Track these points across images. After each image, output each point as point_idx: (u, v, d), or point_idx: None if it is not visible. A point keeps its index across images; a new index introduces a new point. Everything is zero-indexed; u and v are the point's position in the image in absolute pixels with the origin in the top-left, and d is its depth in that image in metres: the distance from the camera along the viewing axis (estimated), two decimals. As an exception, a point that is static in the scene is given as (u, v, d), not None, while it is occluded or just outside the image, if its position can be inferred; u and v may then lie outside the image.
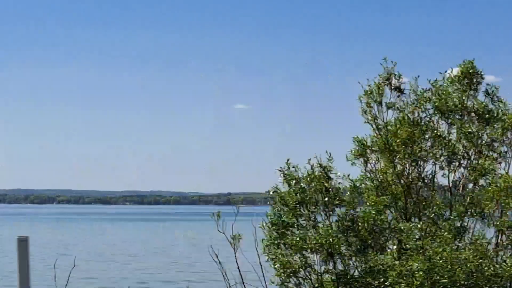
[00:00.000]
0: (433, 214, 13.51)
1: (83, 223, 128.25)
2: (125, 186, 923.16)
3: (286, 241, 13.37)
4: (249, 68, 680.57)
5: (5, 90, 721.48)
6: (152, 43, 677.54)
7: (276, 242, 13.43)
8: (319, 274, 13.24)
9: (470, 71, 14.22)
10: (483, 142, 13.99)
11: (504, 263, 12.69)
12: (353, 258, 13.26)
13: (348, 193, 13.59)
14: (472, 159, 13.99)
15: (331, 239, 12.85)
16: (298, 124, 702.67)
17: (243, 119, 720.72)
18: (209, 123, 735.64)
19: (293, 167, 13.79)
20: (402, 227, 13.16)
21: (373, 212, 13.22)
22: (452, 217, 13.38)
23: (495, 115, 13.92)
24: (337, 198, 13.43)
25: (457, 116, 14.14)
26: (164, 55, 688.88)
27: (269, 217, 13.80)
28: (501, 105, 14.10)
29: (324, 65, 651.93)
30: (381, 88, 14.18)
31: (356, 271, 13.26)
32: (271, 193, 14.39)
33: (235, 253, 13.59)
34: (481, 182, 13.75)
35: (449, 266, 12.24)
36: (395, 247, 13.43)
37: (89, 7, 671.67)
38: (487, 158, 13.76)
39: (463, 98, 14.09)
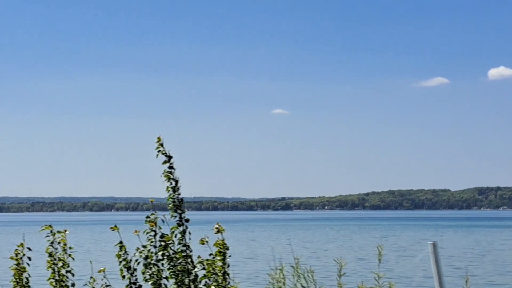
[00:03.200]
0: None
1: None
2: (183, 193, 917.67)
3: None
4: (287, 73, 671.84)
5: (40, 100, 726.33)
6: (187, 51, 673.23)
7: None
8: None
9: None
10: None
11: None
12: None
13: None
14: None
15: None
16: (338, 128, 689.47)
17: (282, 124, 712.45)
18: (247, 128, 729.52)
19: None
20: None
21: None
22: None
23: None
24: None
25: None
26: (201, 63, 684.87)
27: None
28: None
29: (361, 70, 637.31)
30: None
31: None
32: None
33: None
34: None
35: None
36: None
37: (113, 18, 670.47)
38: None
39: None
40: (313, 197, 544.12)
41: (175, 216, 10.19)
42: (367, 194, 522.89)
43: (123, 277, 9.02)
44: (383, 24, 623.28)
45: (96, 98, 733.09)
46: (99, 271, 9.01)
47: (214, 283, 8.54)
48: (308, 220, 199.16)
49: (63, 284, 9.48)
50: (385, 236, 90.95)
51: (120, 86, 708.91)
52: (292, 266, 11.24)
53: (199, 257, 8.78)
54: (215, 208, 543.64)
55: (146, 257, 9.00)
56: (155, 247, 9.07)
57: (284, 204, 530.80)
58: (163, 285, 8.97)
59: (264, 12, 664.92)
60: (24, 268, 10.02)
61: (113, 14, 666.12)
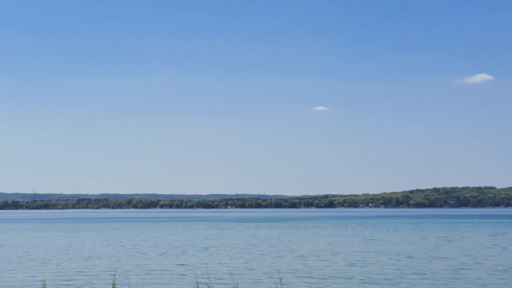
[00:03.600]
0: None
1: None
2: (224, 190, 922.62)
3: None
4: (329, 70, 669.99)
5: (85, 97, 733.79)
6: (230, 49, 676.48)
7: None
8: None
9: None
10: None
11: None
12: None
13: None
14: None
15: None
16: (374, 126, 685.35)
17: (323, 122, 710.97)
18: (289, 125, 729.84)
19: None
20: None
21: None
22: None
23: None
24: None
25: None
26: (242, 61, 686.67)
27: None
28: None
29: (404, 68, 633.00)
30: None
31: None
32: None
33: None
34: None
35: None
36: None
37: (162, 15, 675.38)
38: None
39: None
40: (356, 195, 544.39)
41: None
42: (411, 191, 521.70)
43: None
44: (426, 22, 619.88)
45: (144, 96, 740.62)
46: None
47: None
48: (377, 217, 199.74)
49: None
50: (494, 235, 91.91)
51: (168, 85, 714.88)
52: None
53: None
54: (258, 206, 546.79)
55: None
56: None
57: (328, 202, 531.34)
58: None
59: (308, 10, 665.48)
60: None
61: (164, 14, 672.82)
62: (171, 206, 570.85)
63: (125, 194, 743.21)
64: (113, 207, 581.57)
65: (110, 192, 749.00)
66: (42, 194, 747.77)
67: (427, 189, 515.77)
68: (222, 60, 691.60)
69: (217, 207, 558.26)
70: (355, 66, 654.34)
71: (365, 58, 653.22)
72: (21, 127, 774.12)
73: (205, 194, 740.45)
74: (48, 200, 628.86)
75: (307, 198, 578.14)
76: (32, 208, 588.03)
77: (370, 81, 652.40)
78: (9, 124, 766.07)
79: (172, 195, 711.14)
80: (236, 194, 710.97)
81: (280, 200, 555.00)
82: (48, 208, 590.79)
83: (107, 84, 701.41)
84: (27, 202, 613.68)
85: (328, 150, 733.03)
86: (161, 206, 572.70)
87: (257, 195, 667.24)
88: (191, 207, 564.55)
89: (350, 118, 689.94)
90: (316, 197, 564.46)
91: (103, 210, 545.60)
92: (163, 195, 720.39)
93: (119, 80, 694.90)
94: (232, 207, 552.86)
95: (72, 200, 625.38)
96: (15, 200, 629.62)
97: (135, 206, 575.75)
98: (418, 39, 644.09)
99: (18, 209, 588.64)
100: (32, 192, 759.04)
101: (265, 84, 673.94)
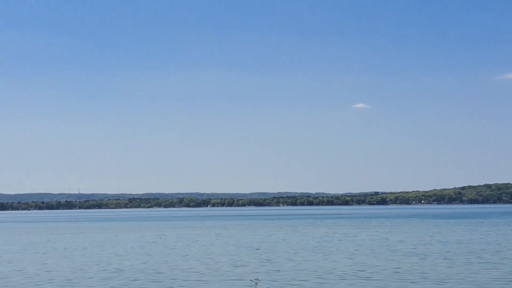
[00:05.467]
0: None
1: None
2: (266, 188, 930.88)
3: None
4: (369, 67, 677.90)
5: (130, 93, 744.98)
6: (270, 47, 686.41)
7: None
8: None
9: None
10: None
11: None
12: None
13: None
14: None
15: None
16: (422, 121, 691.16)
17: (363, 119, 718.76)
18: (328, 123, 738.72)
19: None
20: None
21: None
22: None
23: None
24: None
25: None
26: (282, 59, 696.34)
27: None
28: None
29: (444, 63, 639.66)
30: None
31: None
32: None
33: None
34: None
35: None
36: None
37: (203, 15, 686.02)
38: None
39: None
40: (407, 192, 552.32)
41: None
42: (463, 188, 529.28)
43: None
44: (466, 18, 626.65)
45: (189, 95, 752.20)
46: None
47: None
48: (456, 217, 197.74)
49: None
50: None
51: (212, 83, 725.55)
52: None
53: None
54: (310, 203, 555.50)
55: None
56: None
57: (380, 199, 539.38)
58: None
59: (347, 7, 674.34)
60: None
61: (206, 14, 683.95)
62: (222, 205, 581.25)
63: (169, 193, 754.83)
64: (165, 206, 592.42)
65: (153, 191, 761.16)
66: (87, 194, 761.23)
67: (479, 186, 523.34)
68: (261, 58, 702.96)
69: (269, 205, 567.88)
70: (395, 62, 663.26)
71: (405, 55, 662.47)
72: (66, 128, 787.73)
73: (248, 192, 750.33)
74: (100, 200, 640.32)
75: (350, 195, 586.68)
76: (85, 208, 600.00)
77: (410, 76, 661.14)
78: (54, 125, 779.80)
79: (215, 194, 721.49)
80: (279, 192, 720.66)
81: (332, 197, 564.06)
82: (101, 208, 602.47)
83: (151, 82, 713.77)
84: (79, 202, 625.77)
85: (368, 147, 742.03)
86: (213, 205, 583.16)
87: (300, 193, 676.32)
88: (243, 205, 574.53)
89: (391, 115, 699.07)
90: (365, 194, 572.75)
91: (156, 209, 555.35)
92: (206, 194, 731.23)
93: (164, 78, 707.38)
94: (283, 205, 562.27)
95: (124, 199, 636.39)
96: (67, 200, 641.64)
97: (187, 205, 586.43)
98: (458, 35, 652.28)
99: (71, 209, 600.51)
100: (77, 192, 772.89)
101: (305, 81, 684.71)
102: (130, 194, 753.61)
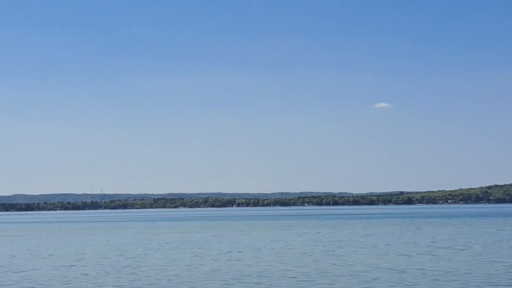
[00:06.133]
0: None
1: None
2: (288, 188, 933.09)
3: None
4: (391, 66, 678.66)
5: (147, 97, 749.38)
6: (290, 47, 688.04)
7: None
8: None
9: None
10: None
11: None
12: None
13: None
14: None
15: None
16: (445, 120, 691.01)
17: (385, 118, 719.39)
18: (349, 122, 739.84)
19: None
20: None
21: None
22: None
23: None
24: None
25: None
26: (302, 59, 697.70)
27: None
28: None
29: (468, 63, 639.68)
30: None
31: None
32: None
33: None
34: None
35: None
36: None
37: (219, 16, 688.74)
38: None
39: None
40: (432, 191, 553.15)
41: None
42: (489, 187, 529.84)
43: None
44: (489, 19, 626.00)
45: (204, 95, 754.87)
46: None
47: None
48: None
49: None
50: None
51: (228, 83, 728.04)
52: None
53: None
54: (335, 203, 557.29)
55: None
56: None
57: (406, 199, 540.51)
58: None
59: (369, 8, 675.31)
60: None
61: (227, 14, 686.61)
62: (247, 205, 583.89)
63: (191, 193, 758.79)
64: (190, 206, 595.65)
65: (175, 192, 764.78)
66: (110, 194, 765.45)
67: (505, 185, 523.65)
68: (282, 58, 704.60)
69: (294, 205, 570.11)
70: (417, 62, 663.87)
71: (427, 55, 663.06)
72: (87, 129, 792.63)
73: (270, 192, 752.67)
74: (125, 200, 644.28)
75: (373, 195, 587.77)
76: (111, 208, 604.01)
77: (432, 76, 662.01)
78: (76, 126, 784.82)
79: (238, 194, 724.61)
80: (301, 192, 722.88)
81: (358, 197, 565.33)
82: (126, 208, 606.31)
83: (170, 83, 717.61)
84: (105, 202, 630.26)
85: (390, 146, 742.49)
86: (238, 205, 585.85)
87: (322, 192, 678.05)
88: (268, 205, 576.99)
89: (413, 114, 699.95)
90: (390, 194, 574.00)
91: (181, 209, 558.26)
92: (229, 194, 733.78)
93: (181, 79, 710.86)
94: (309, 205, 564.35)
95: (149, 199, 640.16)
96: (93, 201, 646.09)
97: (212, 205, 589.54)
98: (480, 36, 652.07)
99: (97, 209, 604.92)
100: (100, 193, 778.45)
101: (326, 81, 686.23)
102: (152, 194, 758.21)
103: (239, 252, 61.84)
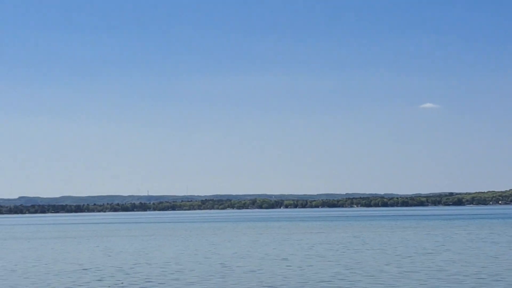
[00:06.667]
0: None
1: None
2: (332, 189, 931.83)
3: None
4: (438, 67, 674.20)
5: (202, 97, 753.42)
6: (339, 46, 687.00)
7: None
8: None
9: None
10: None
11: None
12: None
13: None
14: None
15: None
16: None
17: (432, 119, 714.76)
18: (395, 123, 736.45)
19: None
20: None
21: None
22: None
23: None
24: None
25: None
26: (349, 59, 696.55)
27: None
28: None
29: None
30: None
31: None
32: None
33: None
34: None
35: None
36: None
37: (273, 18, 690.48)
38: None
39: None
40: (482, 192, 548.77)
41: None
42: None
43: None
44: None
45: (261, 97, 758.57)
46: None
47: None
48: None
49: None
50: None
51: (267, 85, 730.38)
52: None
53: None
54: (384, 204, 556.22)
55: None
56: None
57: (456, 199, 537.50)
58: None
59: (415, 7, 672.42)
60: None
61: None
62: (295, 206, 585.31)
63: (236, 195, 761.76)
64: (238, 208, 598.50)
65: (221, 193, 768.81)
66: (156, 196, 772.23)
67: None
68: (328, 58, 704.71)
69: (342, 206, 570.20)
70: (464, 62, 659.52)
71: (474, 54, 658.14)
72: (134, 130, 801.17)
73: (315, 193, 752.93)
74: (173, 202, 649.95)
75: (421, 196, 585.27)
76: (159, 210, 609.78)
77: (479, 76, 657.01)
78: (122, 127, 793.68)
79: (283, 195, 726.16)
80: (346, 193, 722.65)
81: (407, 198, 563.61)
82: (175, 209, 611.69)
83: (218, 84, 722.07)
84: (154, 204, 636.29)
85: (437, 147, 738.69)
86: (286, 206, 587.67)
87: (369, 194, 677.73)
88: (316, 206, 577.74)
89: (460, 114, 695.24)
90: (439, 195, 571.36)
91: (230, 210, 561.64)
92: (274, 195, 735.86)
93: (231, 80, 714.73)
94: (357, 206, 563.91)
95: (197, 201, 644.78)
96: (142, 202, 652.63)
97: (260, 206, 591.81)
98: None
99: (146, 210, 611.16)
100: (146, 194, 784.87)
101: (373, 81, 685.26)
102: (198, 196, 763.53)
103: (446, 250, 61.03)
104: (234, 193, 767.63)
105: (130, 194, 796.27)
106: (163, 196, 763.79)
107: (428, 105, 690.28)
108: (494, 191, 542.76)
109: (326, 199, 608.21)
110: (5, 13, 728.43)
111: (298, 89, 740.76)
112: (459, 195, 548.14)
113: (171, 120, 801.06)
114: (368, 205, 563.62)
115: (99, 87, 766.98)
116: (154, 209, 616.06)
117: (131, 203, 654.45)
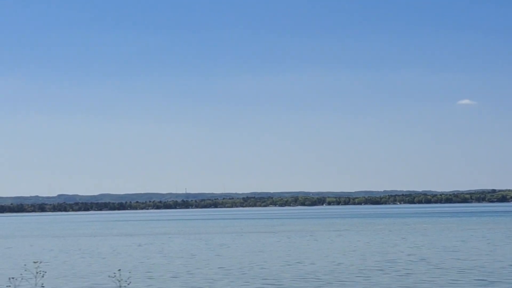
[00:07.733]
0: None
1: None
2: (371, 186, 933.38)
3: None
4: (476, 63, 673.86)
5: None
6: (375, 45, 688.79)
7: None
8: None
9: None
10: None
11: None
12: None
13: None
14: None
15: None
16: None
17: (469, 115, 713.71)
18: (432, 120, 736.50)
19: None
20: None
21: None
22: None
23: None
24: None
25: None
26: (385, 57, 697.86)
27: None
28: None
29: None
30: None
31: None
32: None
33: None
34: None
35: None
36: None
37: (300, 16, 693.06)
38: None
39: None
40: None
41: None
42: None
43: None
44: None
45: (288, 95, 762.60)
46: None
47: None
48: None
49: None
50: None
51: (311, 82, 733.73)
52: None
53: None
54: (427, 201, 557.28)
55: None
56: None
57: (500, 196, 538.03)
58: None
59: (451, 4, 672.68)
60: None
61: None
62: (338, 203, 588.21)
63: (273, 192, 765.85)
64: (280, 205, 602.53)
65: (258, 191, 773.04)
66: (194, 193, 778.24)
67: None
68: (365, 56, 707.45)
69: (385, 203, 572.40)
70: (501, 58, 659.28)
71: (510, 50, 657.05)
72: (171, 129, 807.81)
73: (353, 191, 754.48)
74: (215, 199, 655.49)
75: (479, 192, 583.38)
76: (201, 207, 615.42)
77: None
78: (157, 126, 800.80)
79: (321, 192, 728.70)
80: (384, 191, 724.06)
81: (451, 195, 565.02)
82: (216, 207, 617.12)
83: (258, 83, 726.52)
84: (195, 201, 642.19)
85: (474, 144, 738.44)
86: (328, 203, 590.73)
87: (406, 191, 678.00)
88: (359, 203, 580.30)
89: (498, 111, 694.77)
90: (482, 192, 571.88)
91: (272, 208, 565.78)
92: (312, 192, 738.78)
93: (271, 80, 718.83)
94: (400, 203, 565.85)
95: (239, 199, 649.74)
96: (184, 200, 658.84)
97: (302, 204, 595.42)
98: None
99: (188, 208, 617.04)
100: (184, 192, 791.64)
101: (410, 78, 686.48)
102: (236, 193, 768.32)
103: None
104: (272, 191, 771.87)
105: (168, 192, 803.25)
106: (201, 193, 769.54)
107: (465, 101, 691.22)
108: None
109: (368, 196, 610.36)
110: (55, 12, 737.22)
111: (336, 88, 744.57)
112: (503, 192, 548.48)
113: (211, 118, 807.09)
114: (412, 202, 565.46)
115: (138, 87, 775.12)
116: (196, 207, 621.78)
117: (173, 200, 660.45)
